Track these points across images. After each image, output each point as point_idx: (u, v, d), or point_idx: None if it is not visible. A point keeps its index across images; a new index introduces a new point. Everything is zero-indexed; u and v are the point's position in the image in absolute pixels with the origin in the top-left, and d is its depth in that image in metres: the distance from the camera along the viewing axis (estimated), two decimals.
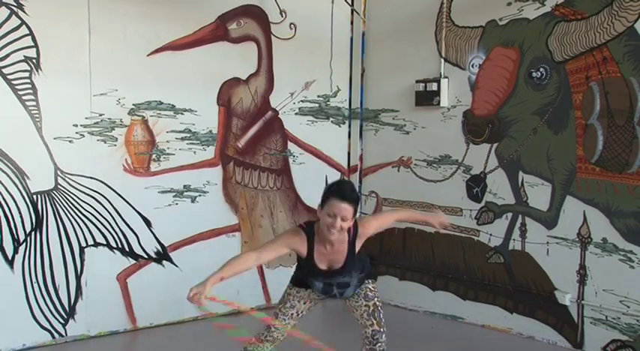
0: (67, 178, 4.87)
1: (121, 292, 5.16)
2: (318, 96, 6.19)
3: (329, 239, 3.27)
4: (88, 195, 4.96)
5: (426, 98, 5.71)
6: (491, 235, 5.39)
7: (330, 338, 5.36)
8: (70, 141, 4.86)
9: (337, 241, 3.32)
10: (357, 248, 3.40)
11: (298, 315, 3.62)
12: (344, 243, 3.34)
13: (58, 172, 4.83)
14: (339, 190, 3.24)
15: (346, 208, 3.17)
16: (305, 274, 3.48)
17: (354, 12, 6.33)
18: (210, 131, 5.55)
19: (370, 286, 3.56)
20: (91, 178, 4.96)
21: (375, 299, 3.52)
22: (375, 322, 3.44)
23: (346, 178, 3.44)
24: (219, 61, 5.55)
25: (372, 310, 3.47)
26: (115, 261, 5.12)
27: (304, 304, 3.59)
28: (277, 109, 5.93)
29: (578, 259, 4.85)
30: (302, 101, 6.08)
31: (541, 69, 5.02)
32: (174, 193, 5.38)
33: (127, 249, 5.17)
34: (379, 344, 3.41)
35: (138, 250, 5.23)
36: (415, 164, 5.92)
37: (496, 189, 5.35)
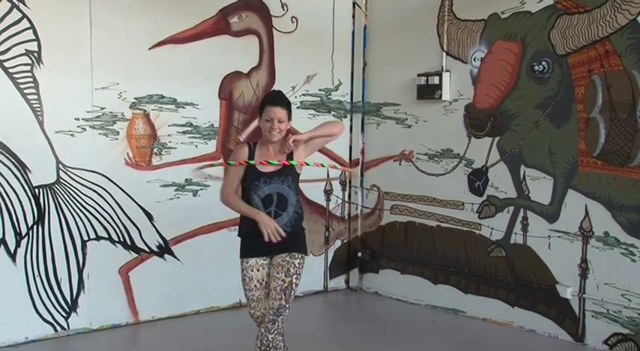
0: (68, 172, 4.87)
1: (123, 286, 5.17)
2: (320, 89, 6.18)
3: (272, 141, 3.69)
4: (89, 188, 4.97)
5: (428, 92, 5.70)
6: (492, 228, 5.39)
7: (331, 330, 5.40)
8: (71, 135, 4.86)
9: (278, 151, 3.71)
10: (297, 162, 3.72)
11: (261, 284, 3.75)
12: (283, 154, 3.72)
13: (60, 166, 4.84)
14: (270, 98, 3.75)
15: (279, 111, 3.65)
16: (249, 186, 3.69)
17: (356, 5, 6.32)
18: (212, 125, 5.55)
19: (296, 262, 3.72)
20: (93, 171, 4.97)
21: (294, 277, 3.70)
22: (284, 297, 3.66)
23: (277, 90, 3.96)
24: (220, 55, 5.54)
25: (285, 287, 3.66)
26: (117, 254, 5.14)
27: (258, 271, 3.75)
28: None
29: (580, 253, 4.85)
30: (303, 95, 6.08)
31: (543, 62, 5.00)
32: (176, 187, 5.39)
33: (129, 242, 5.18)
34: (282, 317, 3.66)
35: (140, 244, 5.24)
36: (417, 158, 5.92)
37: (498, 183, 5.34)
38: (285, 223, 3.67)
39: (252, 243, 3.71)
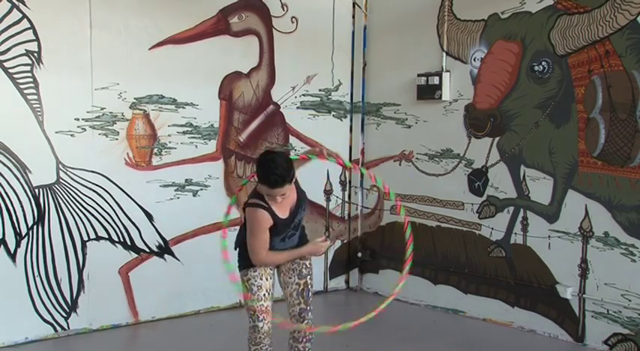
0: (68, 172, 4.87)
1: (123, 286, 5.17)
2: (320, 90, 6.18)
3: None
4: (89, 189, 4.97)
5: (428, 92, 5.70)
6: (492, 229, 5.39)
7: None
8: (71, 135, 4.86)
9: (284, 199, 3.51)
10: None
11: (269, 294, 3.64)
12: (289, 205, 3.56)
13: (60, 166, 4.84)
14: (266, 180, 3.32)
15: (279, 190, 3.34)
16: (273, 235, 3.54)
17: (356, 5, 6.32)
18: (212, 125, 5.55)
19: (307, 263, 3.72)
20: (93, 172, 4.97)
21: (307, 277, 3.70)
22: (302, 301, 3.66)
23: (277, 152, 3.54)
24: (220, 55, 5.54)
25: (301, 289, 3.66)
26: (117, 255, 5.14)
27: (267, 280, 3.63)
28: (279, 102, 5.93)
29: (580, 253, 4.85)
30: (303, 95, 6.08)
31: (543, 62, 5.00)
32: (176, 187, 5.39)
33: (129, 243, 5.18)
34: (306, 320, 3.66)
35: (140, 244, 5.24)
36: (417, 158, 5.92)
37: (498, 183, 5.34)
38: (296, 240, 3.68)
39: None
